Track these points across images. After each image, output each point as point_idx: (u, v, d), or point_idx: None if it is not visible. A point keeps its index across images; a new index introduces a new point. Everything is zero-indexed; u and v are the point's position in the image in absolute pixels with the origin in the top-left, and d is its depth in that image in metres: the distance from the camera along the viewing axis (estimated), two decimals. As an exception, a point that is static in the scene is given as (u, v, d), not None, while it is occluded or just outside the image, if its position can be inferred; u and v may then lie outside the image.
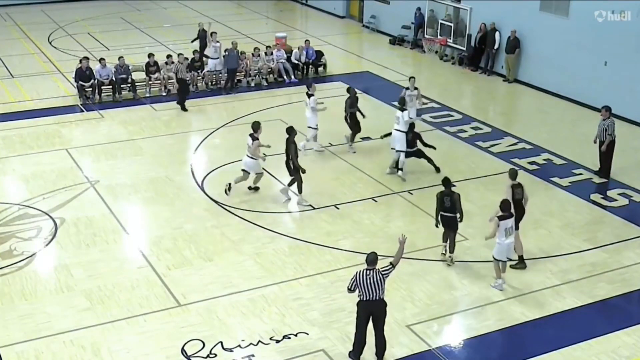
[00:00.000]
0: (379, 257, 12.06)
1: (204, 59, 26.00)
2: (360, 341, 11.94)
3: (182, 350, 12.36)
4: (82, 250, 15.49)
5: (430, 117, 23.14)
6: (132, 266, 14.99)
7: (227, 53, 25.31)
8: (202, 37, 27.36)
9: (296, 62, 27.12)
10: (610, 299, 14.01)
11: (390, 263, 11.85)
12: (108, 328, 12.96)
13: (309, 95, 20.03)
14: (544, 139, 21.51)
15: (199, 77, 25.58)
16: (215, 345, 12.47)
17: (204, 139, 21.44)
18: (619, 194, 18.19)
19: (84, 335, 12.74)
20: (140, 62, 25.86)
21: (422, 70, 28.96)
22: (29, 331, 12.86)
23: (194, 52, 25.89)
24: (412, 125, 18.93)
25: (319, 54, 27.94)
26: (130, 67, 24.92)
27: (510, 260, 14.35)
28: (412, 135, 18.79)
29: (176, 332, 12.83)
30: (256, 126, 17.56)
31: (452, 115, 23.45)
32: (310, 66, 27.58)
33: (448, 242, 15.10)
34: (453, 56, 29.36)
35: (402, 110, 18.72)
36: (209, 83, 25.89)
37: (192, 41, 27.94)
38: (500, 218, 13.78)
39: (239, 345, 12.48)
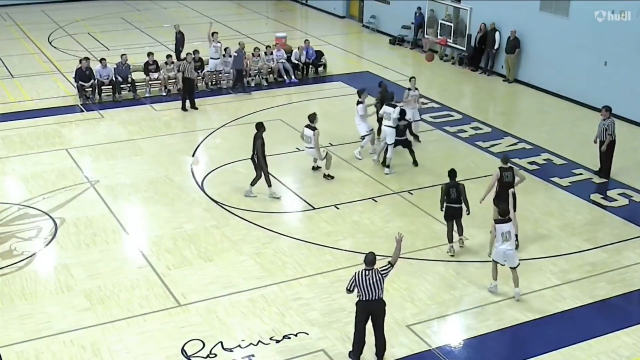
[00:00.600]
0: (379, 257, 12.07)
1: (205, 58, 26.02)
2: (360, 341, 11.95)
3: (182, 350, 12.37)
4: (82, 250, 15.50)
5: (430, 117, 23.13)
6: (132, 266, 14.99)
7: (236, 54, 25.33)
8: (179, 39, 27.20)
9: (296, 62, 27.13)
10: (610, 299, 14.01)
11: (389, 262, 11.87)
12: (108, 328, 12.96)
13: (358, 103, 19.94)
14: (544, 139, 21.52)
15: (198, 77, 25.58)
16: (215, 345, 12.47)
17: (204, 139, 21.44)
18: (619, 194, 18.19)
19: (84, 335, 12.74)
20: (140, 62, 25.87)
21: (422, 70, 28.95)
22: (29, 331, 12.86)
23: (194, 52, 25.87)
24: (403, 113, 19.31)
25: (319, 54, 27.94)
26: (130, 67, 24.92)
27: (510, 267, 13.99)
28: (404, 125, 19.11)
29: (176, 332, 12.83)
30: (312, 117, 18.47)
31: (452, 115, 23.45)
32: (311, 66, 27.58)
33: (456, 228, 15.44)
34: (453, 56, 29.37)
35: (393, 106, 18.98)
36: (209, 83, 25.89)
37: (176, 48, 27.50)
38: (497, 222, 13.74)
39: (239, 345, 12.48)
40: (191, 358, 12.20)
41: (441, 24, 29.44)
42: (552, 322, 13.25)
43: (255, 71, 26.32)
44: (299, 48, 27.37)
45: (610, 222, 16.99)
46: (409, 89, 20.96)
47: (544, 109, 24.51)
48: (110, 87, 24.59)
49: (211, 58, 25.78)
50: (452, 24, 29.04)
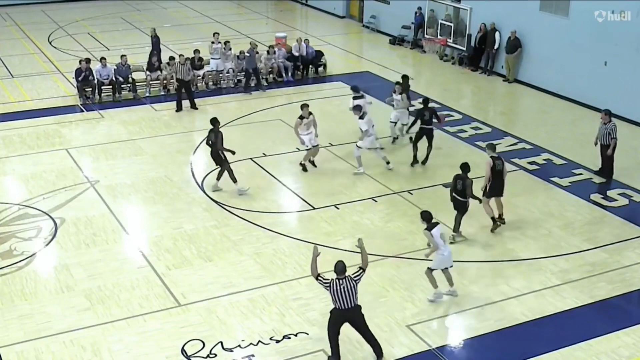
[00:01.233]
0: (379, 258, 12.07)
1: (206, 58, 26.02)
2: (336, 346, 11.79)
3: (182, 350, 12.37)
4: (82, 250, 15.50)
5: (430, 117, 23.13)
6: (132, 266, 15.00)
7: (248, 54, 25.35)
8: (155, 42, 26.99)
9: (296, 54, 27.15)
10: (610, 299, 14.00)
11: (360, 267, 11.80)
12: (108, 328, 12.96)
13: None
14: (544, 139, 21.52)
15: (198, 77, 25.60)
16: (215, 345, 12.47)
17: (203, 139, 21.41)
18: (619, 194, 18.19)
19: (84, 335, 12.74)
20: (140, 62, 25.87)
21: (422, 71, 28.96)
22: (29, 331, 12.86)
23: (195, 51, 25.89)
24: (426, 100, 19.76)
25: (319, 54, 27.95)
26: (130, 67, 24.93)
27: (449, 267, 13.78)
28: (429, 114, 19.37)
29: (176, 332, 12.83)
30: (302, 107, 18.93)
31: (452, 115, 23.44)
32: (310, 66, 27.58)
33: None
34: (453, 56, 29.37)
35: (362, 97, 20.15)
36: (209, 83, 25.89)
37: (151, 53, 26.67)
38: (430, 228, 13.39)
39: (239, 345, 12.48)
40: (191, 358, 12.20)
41: (441, 24, 29.45)
42: (552, 322, 13.25)
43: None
44: (297, 40, 27.45)
45: (610, 222, 16.99)
46: (394, 92, 20.85)
47: (544, 109, 24.52)
48: (110, 87, 24.60)
49: (212, 58, 25.79)
50: (452, 24, 29.05)
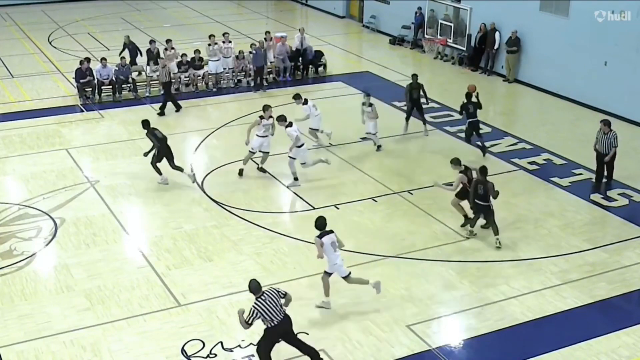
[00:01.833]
0: (378, 257, 11.94)
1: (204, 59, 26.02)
2: None
3: (182, 350, 12.37)
4: (82, 250, 15.51)
5: (431, 117, 23.13)
6: (132, 266, 15.00)
7: (254, 52, 25.39)
8: (131, 48, 26.74)
9: (299, 47, 27.22)
10: (610, 299, 14.00)
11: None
12: (108, 328, 12.97)
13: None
14: (543, 139, 21.52)
15: (198, 77, 25.59)
16: (215, 345, 12.47)
17: (203, 139, 21.45)
18: (619, 194, 18.19)
19: (84, 335, 12.74)
20: (141, 63, 25.86)
21: (422, 71, 28.93)
22: (29, 331, 12.87)
23: (195, 51, 25.89)
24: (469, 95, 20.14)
25: (319, 54, 27.96)
26: (130, 68, 24.92)
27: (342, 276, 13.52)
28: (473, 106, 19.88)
29: (176, 332, 12.84)
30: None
31: (452, 115, 23.44)
32: (310, 66, 27.59)
33: (486, 225, 15.95)
34: (453, 56, 29.37)
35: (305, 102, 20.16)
36: (209, 83, 25.89)
37: (120, 54, 26.38)
38: (321, 236, 12.99)
39: (239, 345, 12.48)
40: (191, 358, 12.20)
41: (441, 24, 29.45)
42: (552, 322, 13.25)
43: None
44: (300, 30, 27.76)
45: (610, 222, 16.99)
46: (363, 104, 20.65)
47: (544, 109, 24.52)
48: (110, 87, 24.61)
49: (210, 60, 25.77)
50: (452, 24, 29.04)
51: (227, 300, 13.77)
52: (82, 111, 23.76)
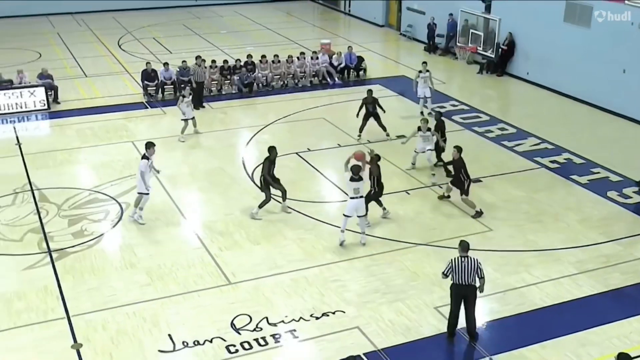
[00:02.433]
0: (410, 245, 11.80)
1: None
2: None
3: (232, 323, 12.47)
4: (145, 232, 15.69)
5: (460, 118, 22.95)
6: (188, 247, 15.14)
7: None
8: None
9: (336, 64, 27.12)
10: (623, 288, 13.76)
11: None
12: (166, 302, 13.12)
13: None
14: (565, 140, 21.16)
15: (226, 82, 25.58)
16: (261, 320, 12.55)
17: (254, 134, 21.55)
18: (634, 192, 17.83)
19: (144, 308, 12.92)
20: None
21: (453, 75, 28.70)
22: (97, 303, 13.08)
23: (248, 56, 25.96)
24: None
25: (360, 59, 27.89)
26: (190, 70, 25.10)
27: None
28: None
29: (226, 307, 12.94)
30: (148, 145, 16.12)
31: (480, 117, 23.21)
32: (352, 70, 27.56)
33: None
34: (482, 62, 29.03)
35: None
36: (259, 85, 25.92)
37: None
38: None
39: (283, 321, 12.54)
40: (240, 331, 12.29)
41: (472, 32, 29.14)
42: (569, 308, 13.07)
43: (302, 74, 26.38)
44: (337, 54, 27.41)
45: (624, 218, 16.68)
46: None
47: (565, 113, 24.12)
48: (172, 87, 24.85)
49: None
50: (482, 33, 28.72)
51: (272, 279, 13.84)
52: (147, 108, 24.01)
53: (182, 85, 24.67)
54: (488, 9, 28.74)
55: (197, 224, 16.24)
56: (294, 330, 12.30)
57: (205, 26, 36.39)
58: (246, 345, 11.91)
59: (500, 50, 27.70)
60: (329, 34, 34.49)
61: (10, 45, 31.77)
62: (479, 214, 16.35)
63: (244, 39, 33.04)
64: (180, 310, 12.87)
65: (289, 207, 16.66)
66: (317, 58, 26.75)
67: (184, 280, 13.82)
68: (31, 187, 17.76)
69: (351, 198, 14.79)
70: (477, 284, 11.77)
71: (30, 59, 29.17)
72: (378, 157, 16.13)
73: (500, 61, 27.80)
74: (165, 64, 24.95)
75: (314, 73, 26.62)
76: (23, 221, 16.08)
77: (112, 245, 15.28)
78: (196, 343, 11.96)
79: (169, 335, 12.16)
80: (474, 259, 11.68)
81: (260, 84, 25.85)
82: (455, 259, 11.71)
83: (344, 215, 15.00)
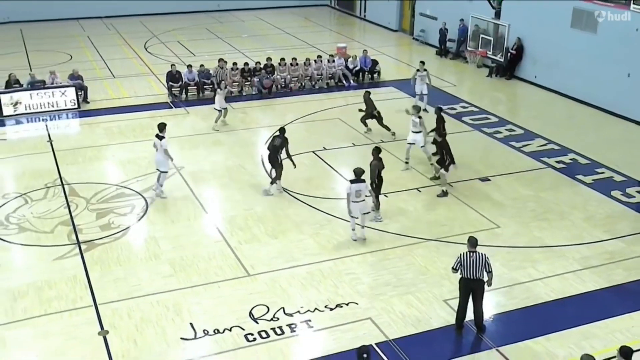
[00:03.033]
0: (421, 240, 11.80)
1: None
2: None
3: (250, 313, 12.51)
4: (168, 226, 15.77)
5: (470, 119, 22.84)
6: (209, 240, 15.20)
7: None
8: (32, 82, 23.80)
9: (351, 67, 27.09)
10: (626, 284, 13.66)
11: None
12: (188, 292, 13.18)
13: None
14: (571, 141, 21.01)
15: (247, 83, 25.59)
16: (278, 310, 12.58)
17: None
18: (637, 191, 17.68)
19: (167, 298, 12.98)
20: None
21: (463, 78, 28.57)
22: (123, 292, 13.17)
23: (267, 59, 25.99)
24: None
25: (374, 62, 27.82)
26: (210, 72, 25.21)
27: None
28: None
29: (245, 298, 12.98)
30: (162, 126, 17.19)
31: (489, 119, 23.09)
32: (367, 73, 27.51)
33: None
34: (491, 66, 28.87)
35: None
36: (278, 86, 25.92)
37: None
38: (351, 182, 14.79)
39: (298, 311, 12.56)
40: (257, 320, 12.33)
41: (482, 37, 28.99)
42: (574, 302, 13.00)
43: (319, 76, 26.36)
44: (353, 57, 27.36)
45: (628, 216, 16.54)
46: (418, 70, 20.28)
47: (572, 115, 23.94)
48: (195, 88, 24.93)
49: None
50: (492, 38, 28.56)
51: (289, 272, 13.86)
52: (171, 107, 24.09)
53: (205, 87, 24.83)
54: (498, 14, 28.58)
55: (218, 218, 16.28)
56: (309, 321, 12.31)
57: (228, 30, 36.45)
58: (264, 334, 11.94)
59: (509, 54, 27.58)
60: (345, 38, 34.44)
61: (43, 48, 32.00)
62: (444, 193, 16.82)
63: (264, 43, 33.06)
64: (201, 300, 12.92)
65: (270, 191, 17.16)
66: (334, 61, 26.74)
67: (205, 272, 13.87)
68: (62, 182, 17.90)
69: (353, 202, 14.71)
70: (485, 278, 11.71)
71: (62, 61, 29.37)
72: (379, 150, 16.08)
73: (509, 65, 27.66)
74: (189, 66, 25.04)
75: (330, 75, 26.59)
76: (54, 214, 16.21)
77: (137, 237, 15.36)
78: (216, 331, 12.00)
79: (191, 323, 12.22)
80: (481, 254, 11.63)
81: (279, 86, 25.87)
82: (463, 254, 11.67)
83: (350, 216, 14.98)
